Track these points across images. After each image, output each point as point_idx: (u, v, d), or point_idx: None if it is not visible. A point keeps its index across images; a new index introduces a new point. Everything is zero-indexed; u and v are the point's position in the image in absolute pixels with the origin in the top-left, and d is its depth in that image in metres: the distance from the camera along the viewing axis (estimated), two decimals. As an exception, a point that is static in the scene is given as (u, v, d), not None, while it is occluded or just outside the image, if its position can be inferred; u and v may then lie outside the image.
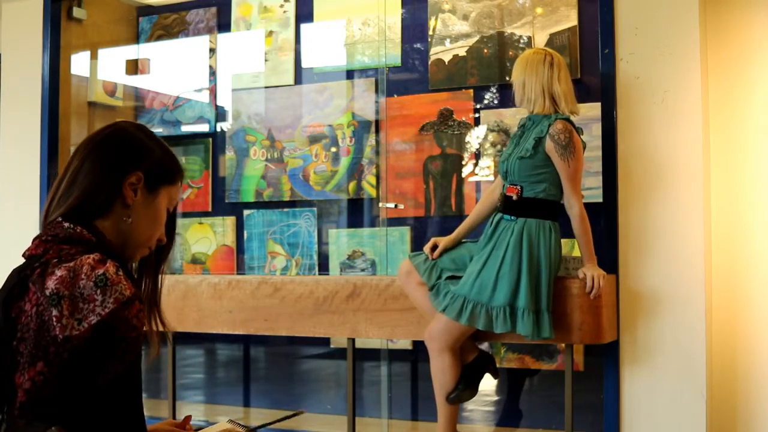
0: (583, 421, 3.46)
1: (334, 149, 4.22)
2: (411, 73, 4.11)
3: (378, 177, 4.12)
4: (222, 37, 4.54)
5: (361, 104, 4.18)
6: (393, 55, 4.10)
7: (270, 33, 4.40)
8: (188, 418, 1.80)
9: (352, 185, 4.17)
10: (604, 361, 3.41)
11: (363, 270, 4.13)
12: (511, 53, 3.87)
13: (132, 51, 4.75)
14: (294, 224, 4.30)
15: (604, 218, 3.39)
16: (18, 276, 1.47)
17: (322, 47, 4.31)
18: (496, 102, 3.95)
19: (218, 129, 4.54)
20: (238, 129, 4.45)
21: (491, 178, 3.89)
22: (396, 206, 4.05)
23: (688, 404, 3.25)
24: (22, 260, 1.53)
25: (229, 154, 4.45)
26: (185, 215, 4.50)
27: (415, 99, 4.06)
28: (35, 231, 1.58)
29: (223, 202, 4.49)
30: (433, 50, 4.02)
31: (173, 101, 4.64)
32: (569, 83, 3.18)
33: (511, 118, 3.77)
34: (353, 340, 3.58)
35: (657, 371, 3.30)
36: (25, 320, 1.42)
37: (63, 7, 4.55)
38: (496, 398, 3.99)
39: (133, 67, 4.75)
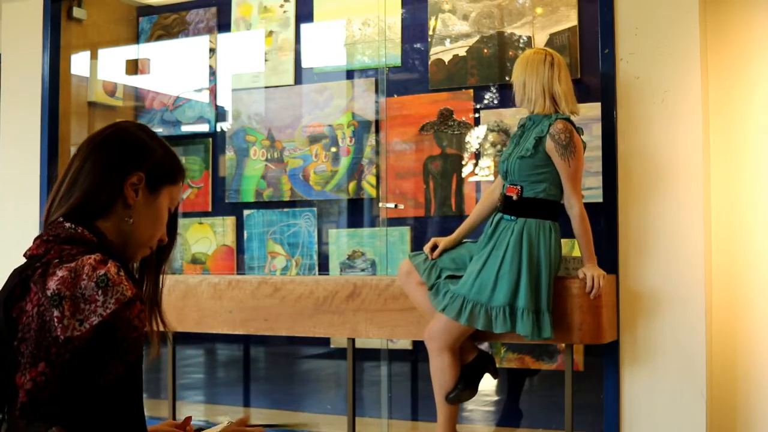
0: (583, 421, 3.46)
1: (334, 149, 4.22)
2: (411, 73, 4.11)
3: (378, 177, 4.12)
4: (222, 37, 4.54)
5: (361, 104, 4.18)
6: (393, 55, 4.10)
7: (270, 33, 4.40)
8: (188, 419, 1.80)
9: (352, 185, 4.17)
10: (604, 361, 3.41)
11: (363, 270, 4.13)
12: (511, 53, 3.87)
13: (132, 51, 4.75)
14: (294, 224, 4.30)
15: (604, 218, 3.39)
16: (19, 276, 1.47)
17: (322, 47, 4.32)
18: (496, 102, 3.95)
19: (218, 129, 4.54)
20: (238, 129, 4.45)
21: (491, 178, 3.89)
22: (396, 206, 4.05)
23: (688, 404, 3.25)
24: (23, 260, 1.53)
25: (229, 154, 4.45)
26: (185, 215, 4.50)
27: (415, 99, 4.06)
28: (35, 231, 1.58)
29: (223, 202, 4.49)
30: (433, 50, 4.02)
31: (173, 101, 4.64)
32: (569, 83, 3.18)
33: (511, 118, 3.78)
34: (353, 340, 3.58)
35: (657, 371, 3.30)
36: (26, 320, 1.42)
37: (63, 7, 4.55)
38: (495, 398, 3.99)
39: (133, 67, 4.75)
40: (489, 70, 3.94)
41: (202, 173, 4.53)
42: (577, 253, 3.27)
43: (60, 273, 1.42)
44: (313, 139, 4.27)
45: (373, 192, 4.12)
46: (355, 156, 4.16)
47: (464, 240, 3.32)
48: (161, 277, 1.70)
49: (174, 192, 1.67)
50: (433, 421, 3.35)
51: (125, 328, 1.42)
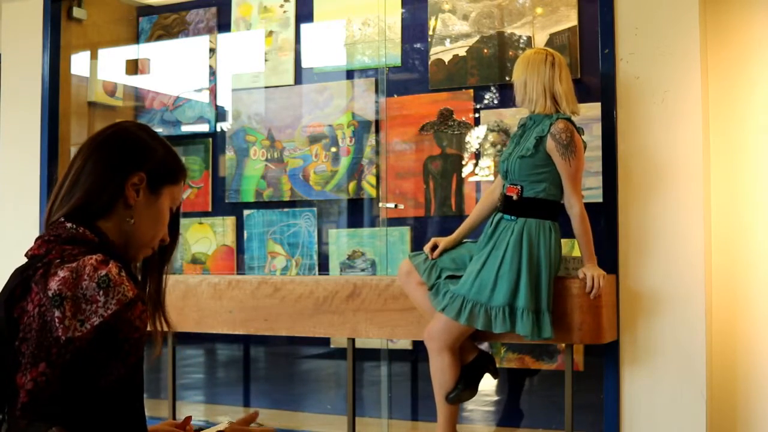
0: (583, 421, 3.46)
1: (334, 149, 4.22)
2: (411, 73, 4.11)
3: (378, 177, 4.12)
4: (222, 37, 4.54)
5: (361, 104, 4.18)
6: (393, 55, 4.10)
7: (270, 33, 4.40)
8: (188, 418, 1.80)
9: (352, 185, 4.17)
10: (604, 361, 3.41)
11: (363, 270, 4.13)
12: (511, 53, 3.87)
13: (132, 51, 4.75)
14: (294, 224, 4.30)
15: (604, 218, 3.39)
16: (20, 276, 1.47)
17: (322, 47, 4.31)
18: (496, 102, 3.95)
19: (218, 129, 4.54)
20: (238, 129, 4.45)
21: (491, 178, 3.89)
22: (396, 206, 4.05)
23: (688, 404, 3.25)
24: (23, 260, 1.53)
25: (229, 154, 4.45)
26: (185, 215, 4.50)
27: (415, 99, 4.06)
28: (35, 231, 1.59)
29: (223, 202, 4.49)
30: (433, 50, 4.02)
31: (173, 101, 4.64)
32: (570, 83, 3.18)
33: (511, 118, 3.78)
34: (353, 340, 3.58)
35: (657, 371, 3.30)
36: (27, 320, 1.42)
37: (63, 7, 4.55)
38: (495, 398, 3.99)
39: (133, 67, 4.75)
40: (489, 70, 3.94)
41: (202, 173, 4.53)
42: (577, 253, 3.27)
43: (61, 273, 1.42)
44: (313, 139, 4.27)
45: (373, 192, 4.12)
46: (355, 156, 4.16)
47: (464, 240, 3.32)
48: (164, 277, 1.70)
49: (175, 192, 1.67)
50: (433, 421, 3.35)
51: (126, 329, 1.42)
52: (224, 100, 4.53)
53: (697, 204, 3.30)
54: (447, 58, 3.99)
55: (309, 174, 4.27)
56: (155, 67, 4.72)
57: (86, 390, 1.42)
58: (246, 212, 4.41)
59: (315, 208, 4.27)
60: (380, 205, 4.09)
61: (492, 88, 3.95)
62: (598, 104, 3.47)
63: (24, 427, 1.38)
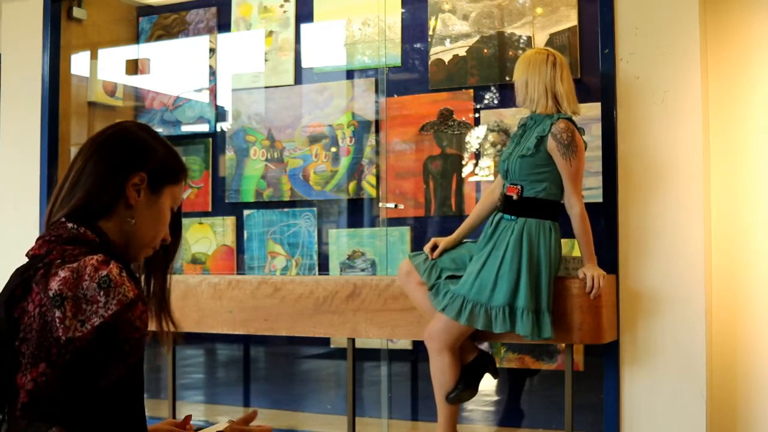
0: (583, 421, 3.46)
1: (334, 149, 4.22)
2: (411, 73, 4.11)
3: (378, 177, 4.12)
4: (222, 37, 4.54)
5: (361, 104, 4.18)
6: (393, 55, 4.10)
7: (270, 33, 4.40)
8: (188, 417, 1.80)
9: (352, 185, 4.17)
10: (604, 361, 3.41)
11: (363, 270, 4.13)
12: (511, 53, 3.87)
13: (132, 51, 4.75)
14: (294, 224, 4.30)
15: (604, 218, 3.39)
16: (21, 276, 1.47)
17: (322, 47, 4.32)
18: (496, 102, 3.95)
19: (218, 129, 4.54)
20: (238, 129, 4.45)
21: (491, 178, 3.89)
22: (396, 206, 4.05)
23: (688, 404, 3.25)
24: (22, 260, 1.53)
25: (229, 154, 4.45)
26: (185, 215, 4.49)
27: (415, 99, 4.06)
28: (35, 231, 1.59)
29: (223, 202, 4.49)
30: (433, 50, 4.02)
31: (173, 101, 4.64)
32: (571, 83, 3.18)
33: (511, 118, 3.78)
34: (353, 340, 3.58)
35: (657, 371, 3.30)
36: (27, 321, 1.42)
37: (63, 7, 4.55)
38: (496, 398, 3.99)
39: (133, 67, 4.75)
40: (489, 70, 3.94)
41: (202, 173, 4.53)
42: (577, 253, 3.27)
43: (62, 273, 1.42)
44: (313, 139, 4.27)
45: (373, 192, 4.12)
46: (355, 156, 4.16)
47: (464, 240, 3.32)
48: (168, 276, 1.70)
49: (176, 191, 1.67)
50: (434, 421, 3.35)
51: (127, 329, 1.42)
52: (224, 100, 4.53)
53: (697, 204, 3.30)
54: (447, 58, 4.00)
55: (309, 174, 4.27)
56: (155, 67, 4.72)
57: (86, 390, 1.42)
58: (246, 212, 4.41)
59: (315, 208, 4.27)
60: (380, 205, 4.09)
61: (492, 88, 3.95)
62: (598, 104, 3.47)
63: (24, 427, 1.39)
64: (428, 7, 4.04)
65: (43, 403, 1.39)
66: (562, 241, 3.18)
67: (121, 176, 1.57)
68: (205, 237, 4.50)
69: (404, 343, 4.01)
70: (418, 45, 4.09)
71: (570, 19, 3.75)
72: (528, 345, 3.71)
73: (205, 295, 3.74)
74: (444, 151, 4.00)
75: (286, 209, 4.33)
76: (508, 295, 3.03)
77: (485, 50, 3.94)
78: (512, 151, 3.18)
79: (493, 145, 3.89)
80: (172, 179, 1.65)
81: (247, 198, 4.40)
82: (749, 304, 3.45)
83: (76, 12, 4.59)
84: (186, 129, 4.61)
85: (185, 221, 4.45)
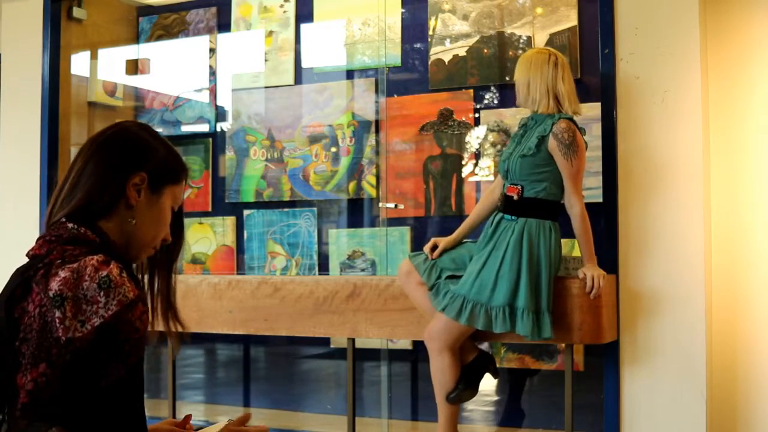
0: (583, 421, 3.47)
1: (334, 149, 4.22)
2: (411, 73, 4.11)
3: (378, 177, 4.12)
4: (222, 37, 4.54)
5: (361, 104, 4.18)
6: (393, 55, 4.10)
7: (270, 33, 4.40)
8: (188, 417, 1.80)
9: (352, 185, 4.17)
10: (604, 361, 3.41)
11: (363, 270, 4.13)
12: (511, 53, 3.87)
13: (132, 51, 4.75)
14: (294, 224, 4.30)
15: (604, 218, 3.39)
16: (21, 276, 1.47)
17: (322, 47, 4.32)
18: (496, 102, 3.95)
19: (218, 129, 4.54)
20: (238, 129, 4.45)
21: (491, 178, 3.89)
22: (396, 206, 4.05)
23: (688, 404, 3.25)
24: (22, 260, 1.53)
25: (229, 154, 4.45)
26: (185, 215, 4.49)
27: (415, 99, 4.06)
28: (35, 231, 1.59)
29: (223, 202, 4.49)
30: (433, 50, 4.02)
31: (173, 101, 4.64)
32: (572, 83, 3.18)
33: (511, 118, 3.78)
34: (353, 340, 3.58)
35: (657, 371, 3.30)
36: (27, 321, 1.42)
37: (63, 7, 4.55)
38: (496, 398, 3.99)
39: (133, 67, 4.75)
40: (489, 70, 3.94)
41: (202, 173, 4.53)
42: (577, 253, 3.27)
43: (62, 274, 1.42)
44: (313, 139, 4.27)
45: (373, 192, 4.12)
46: (355, 156, 4.16)
47: (464, 240, 3.32)
48: (173, 276, 1.70)
49: (177, 191, 1.67)
50: (434, 421, 3.35)
51: (127, 330, 1.42)
52: (224, 100, 4.53)
53: (697, 204, 3.30)
54: (447, 58, 4.00)
55: (309, 174, 4.27)
56: (155, 67, 4.72)
57: (86, 390, 1.42)
58: (246, 212, 4.41)
59: (315, 208, 4.27)
60: (380, 205, 4.09)
61: (492, 88, 3.95)
62: (598, 104, 3.47)
63: (24, 427, 1.39)
64: (428, 7, 4.04)
65: (43, 404, 1.39)
66: (562, 241, 3.18)
67: (122, 176, 1.57)
68: (205, 237, 4.50)
69: (404, 343, 4.01)
70: (418, 45, 4.09)
71: (570, 19, 3.75)
72: (528, 345, 3.71)
73: (205, 295, 3.74)
74: (444, 151, 4.00)
75: (286, 209, 4.33)
76: (508, 295, 3.03)
77: (485, 50, 3.94)
78: (513, 151, 3.18)
79: (493, 145, 3.89)
80: (173, 179, 1.65)
81: (247, 198, 4.40)
82: (749, 304, 3.45)
83: (76, 12, 4.59)
84: (186, 129, 4.61)
85: (185, 221, 4.45)
